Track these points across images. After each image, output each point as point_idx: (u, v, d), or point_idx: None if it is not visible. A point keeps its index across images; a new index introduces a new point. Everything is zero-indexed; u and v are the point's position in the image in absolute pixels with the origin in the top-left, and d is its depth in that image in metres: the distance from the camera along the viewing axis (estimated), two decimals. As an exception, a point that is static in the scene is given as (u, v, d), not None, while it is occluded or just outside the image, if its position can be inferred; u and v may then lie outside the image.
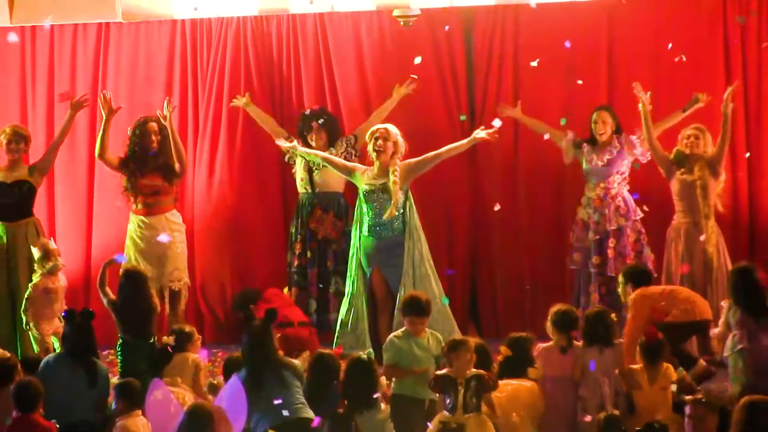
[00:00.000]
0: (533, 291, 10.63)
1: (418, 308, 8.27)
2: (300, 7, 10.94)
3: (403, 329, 8.31)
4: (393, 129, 9.72)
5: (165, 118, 10.06)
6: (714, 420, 7.33)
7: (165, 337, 8.44)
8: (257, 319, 8.13)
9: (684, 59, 10.21)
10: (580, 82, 10.60)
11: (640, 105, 9.81)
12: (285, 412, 7.58)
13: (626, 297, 9.29)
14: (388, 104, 10.48)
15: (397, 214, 9.61)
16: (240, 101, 10.68)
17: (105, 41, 11.15)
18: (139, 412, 7.83)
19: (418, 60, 10.39)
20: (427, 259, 9.69)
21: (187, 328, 8.69)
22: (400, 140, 9.70)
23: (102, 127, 10.10)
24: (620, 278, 9.45)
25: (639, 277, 9.30)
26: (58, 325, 9.50)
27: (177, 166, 10.15)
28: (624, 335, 8.80)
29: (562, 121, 10.23)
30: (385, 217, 9.59)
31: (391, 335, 8.34)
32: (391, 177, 9.58)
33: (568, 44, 10.44)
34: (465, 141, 9.68)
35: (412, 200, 9.74)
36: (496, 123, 9.63)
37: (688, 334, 9.08)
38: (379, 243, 9.67)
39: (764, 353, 8.27)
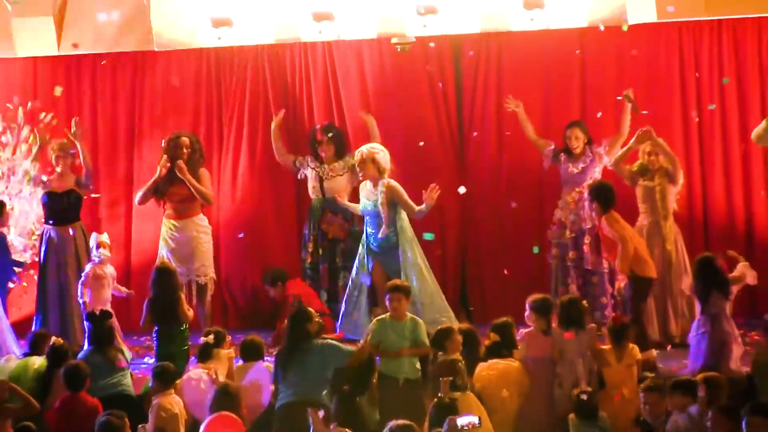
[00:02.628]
0: (516, 282, 10.67)
1: (395, 287, 8.57)
2: (310, 36, 11.02)
3: (387, 313, 8.51)
4: (364, 151, 9.89)
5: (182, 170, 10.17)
6: (666, 402, 7.43)
7: (204, 338, 8.63)
8: (300, 305, 8.33)
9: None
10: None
11: (632, 142, 9.98)
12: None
13: (593, 211, 9.53)
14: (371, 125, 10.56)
15: (391, 229, 9.66)
16: (277, 118, 10.77)
17: (141, 67, 11.30)
18: (173, 390, 8.11)
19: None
20: (423, 263, 9.77)
21: (222, 330, 8.91)
22: (378, 157, 9.85)
23: (153, 180, 10.31)
24: (586, 194, 9.62)
25: (605, 195, 9.44)
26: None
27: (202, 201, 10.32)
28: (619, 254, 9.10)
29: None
30: (379, 235, 9.66)
31: (376, 318, 8.56)
32: (379, 197, 9.67)
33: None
34: (424, 207, 9.74)
35: (406, 222, 9.90)
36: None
37: (647, 289, 9.27)
38: (378, 249, 9.76)
39: (723, 337, 8.43)
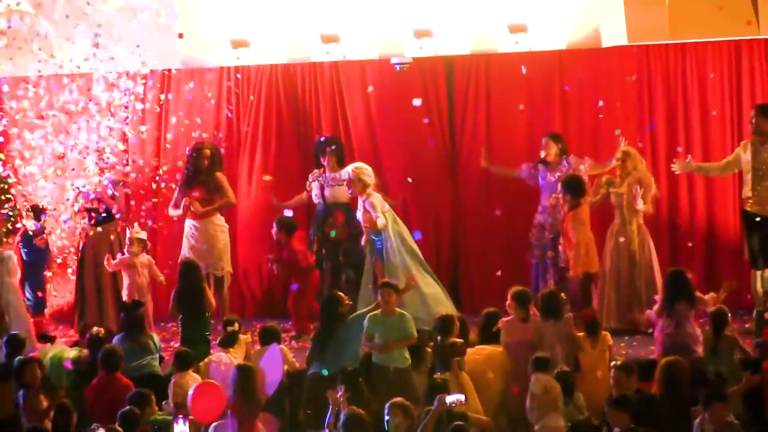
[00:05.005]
0: (501, 277, 10.83)
1: (385, 285, 8.77)
2: (319, 56, 11.33)
3: (379, 310, 8.66)
4: (352, 172, 10.06)
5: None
6: (633, 381, 7.66)
7: (230, 327, 8.89)
8: (333, 291, 8.87)
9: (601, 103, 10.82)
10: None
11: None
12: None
13: (565, 203, 9.82)
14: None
15: (380, 236, 9.88)
16: (275, 199, 11.05)
17: (167, 83, 11.59)
18: (191, 371, 8.40)
19: (417, 102, 10.83)
20: (403, 266, 9.89)
21: (238, 318, 9.22)
22: (362, 176, 10.01)
23: (182, 213, 10.58)
24: (559, 186, 9.97)
25: (576, 187, 9.81)
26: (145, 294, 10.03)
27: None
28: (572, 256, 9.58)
29: None
30: (362, 243, 10.07)
31: (369, 314, 8.67)
32: (360, 210, 10.04)
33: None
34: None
35: (390, 226, 10.00)
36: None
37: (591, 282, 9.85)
38: (378, 250, 9.93)
39: (685, 337, 8.72)
